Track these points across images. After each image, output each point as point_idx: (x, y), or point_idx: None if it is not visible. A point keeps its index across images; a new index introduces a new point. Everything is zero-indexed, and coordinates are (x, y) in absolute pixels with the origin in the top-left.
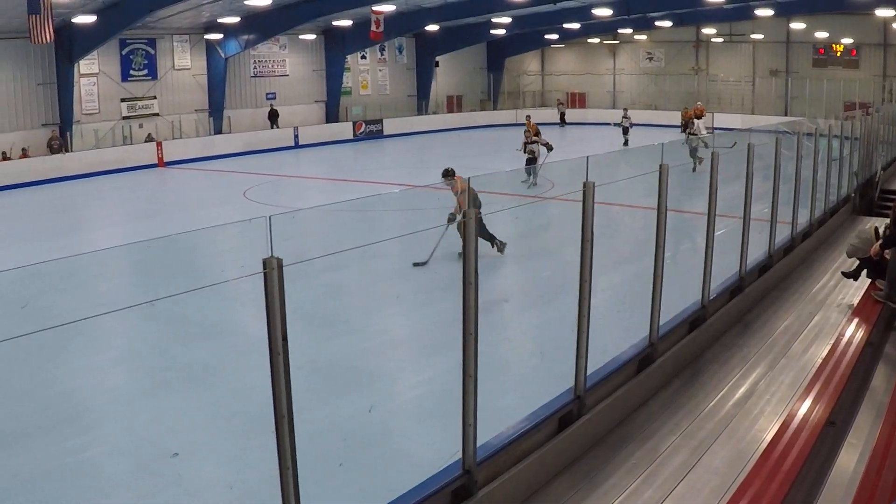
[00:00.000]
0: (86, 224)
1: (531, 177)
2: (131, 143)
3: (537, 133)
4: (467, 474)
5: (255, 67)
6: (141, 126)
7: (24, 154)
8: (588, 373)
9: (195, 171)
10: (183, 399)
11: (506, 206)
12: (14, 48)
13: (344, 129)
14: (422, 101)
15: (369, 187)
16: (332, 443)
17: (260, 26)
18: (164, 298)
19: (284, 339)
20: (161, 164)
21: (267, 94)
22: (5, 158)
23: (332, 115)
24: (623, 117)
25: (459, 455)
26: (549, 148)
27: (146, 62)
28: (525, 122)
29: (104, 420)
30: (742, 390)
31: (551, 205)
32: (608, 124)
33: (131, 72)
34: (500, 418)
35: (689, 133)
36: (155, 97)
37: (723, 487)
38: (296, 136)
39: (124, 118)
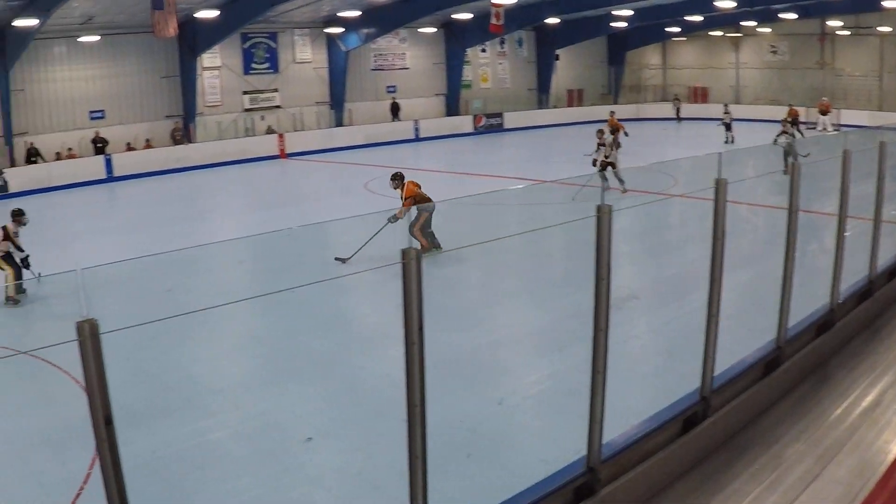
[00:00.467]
0: (212, 212)
1: (621, 182)
2: (253, 135)
3: (616, 131)
4: (591, 472)
5: (375, 61)
6: (263, 118)
7: (148, 144)
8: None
9: (316, 162)
10: (307, 387)
11: (634, 204)
12: (139, 42)
13: (464, 123)
14: (542, 95)
15: (490, 181)
16: (458, 434)
17: (380, 20)
18: (300, 287)
19: (420, 329)
20: (283, 155)
21: (387, 87)
22: (130, 149)
23: (452, 109)
24: (724, 113)
25: (583, 452)
26: (594, 163)
27: (268, 56)
28: (608, 118)
29: (228, 404)
30: (869, 399)
31: (674, 202)
32: (720, 120)
33: (253, 65)
34: (623, 417)
35: (783, 132)
36: (276, 90)
37: (847, 498)
38: (416, 129)
39: (246, 110)
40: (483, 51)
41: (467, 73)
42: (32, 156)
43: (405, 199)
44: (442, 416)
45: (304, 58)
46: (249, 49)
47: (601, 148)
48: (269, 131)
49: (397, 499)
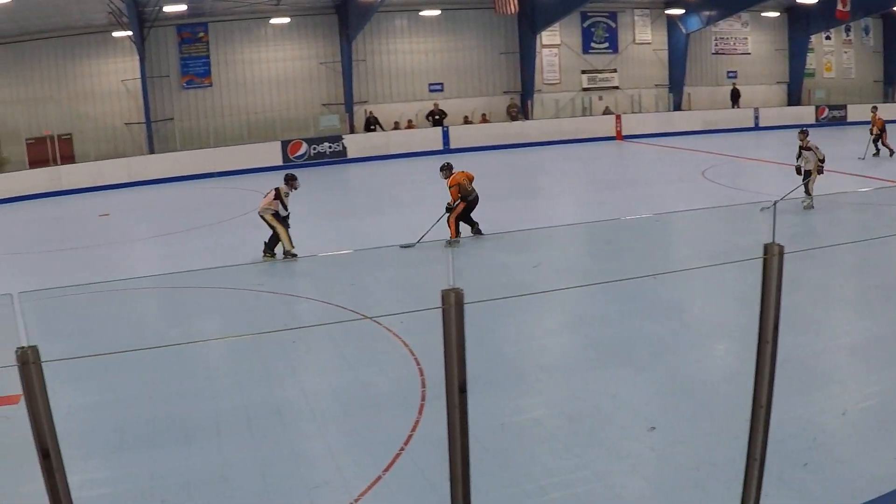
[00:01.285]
0: (548, 190)
1: (808, 195)
2: (590, 115)
3: (883, 130)
4: None
5: (715, 44)
6: (600, 98)
7: (484, 119)
8: None
9: (652, 146)
10: (634, 373)
11: None
12: (478, 18)
13: (805, 113)
14: (888, 88)
15: (828, 177)
16: (797, 441)
17: (722, 2)
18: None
19: (776, 327)
20: (619, 137)
21: (728, 72)
22: (467, 122)
23: (793, 98)
24: None
25: None
26: (798, 170)
27: (607, 35)
28: (871, 114)
29: (555, 383)
30: None
31: None
32: None
33: (592, 44)
34: None
35: None
36: (615, 70)
37: None
38: (756, 118)
39: (584, 90)
40: (828, 38)
41: (810, 61)
42: (371, 124)
43: (450, 187)
44: (780, 420)
45: (644, 38)
46: (589, 28)
47: (805, 153)
48: (607, 112)
49: (722, 500)
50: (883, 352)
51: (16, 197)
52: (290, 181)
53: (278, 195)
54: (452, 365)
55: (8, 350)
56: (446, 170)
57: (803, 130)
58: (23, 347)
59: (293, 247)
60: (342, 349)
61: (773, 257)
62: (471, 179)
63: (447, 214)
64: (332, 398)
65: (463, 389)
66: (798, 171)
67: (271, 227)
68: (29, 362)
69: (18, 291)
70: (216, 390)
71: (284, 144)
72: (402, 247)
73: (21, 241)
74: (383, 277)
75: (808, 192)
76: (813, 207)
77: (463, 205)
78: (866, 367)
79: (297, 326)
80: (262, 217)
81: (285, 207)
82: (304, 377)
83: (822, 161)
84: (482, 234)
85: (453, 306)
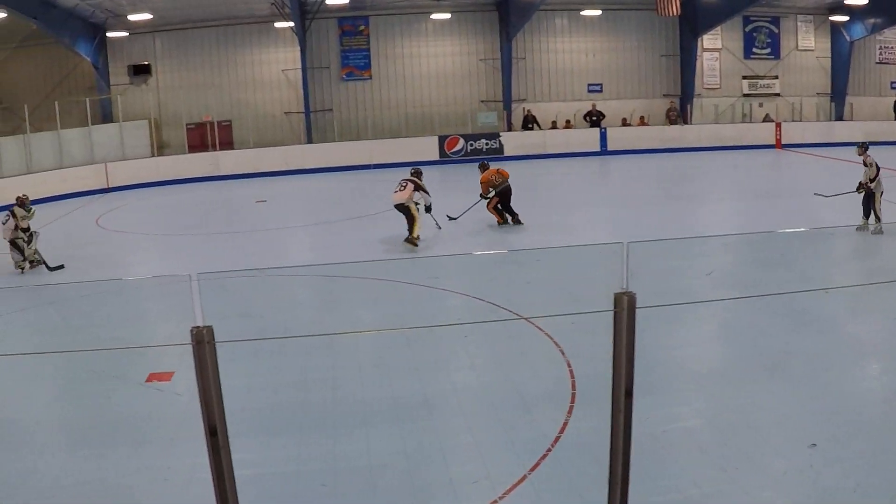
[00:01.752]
0: (703, 196)
1: (877, 220)
2: (749, 122)
3: None
4: None
5: (880, 53)
6: (761, 105)
7: (642, 121)
8: None
9: (811, 156)
10: (790, 388)
11: None
12: (640, 19)
13: None
14: None
15: None
16: None
17: (888, 9)
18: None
19: None
20: (778, 145)
21: (891, 82)
22: (625, 124)
23: None
24: None
25: None
26: (859, 187)
27: (769, 41)
28: None
29: (706, 394)
30: None
31: None
32: None
33: (754, 49)
34: None
35: None
36: (777, 77)
37: None
38: None
39: (744, 96)
40: None
41: None
42: (529, 122)
43: (481, 182)
44: None
45: (807, 45)
46: (751, 33)
47: (865, 169)
48: (767, 119)
49: None
50: None
51: (175, 179)
52: (419, 175)
53: (419, 186)
54: (621, 368)
55: (168, 327)
56: (480, 168)
57: (862, 144)
58: (198, 327)
59: (418, 237)
60: (495, 347)
61: None
62: (505, 176)
63: (483, 201)
64: (482, 395)
65: (629, 393)
66: (859, 187)
67: (410, 216)
68: (204, 342)
69: (197, 272)
70: (365, 379)
71: (442, 139)
72: (448, 217)
73: (184, 223)
74: (538, 277)
75: (876, 215)
76: (882, 233)
77: (497, 198)
78: None
79: (450, 323)
80: (403, 207)
81: (428, 194)
82: (454, 372)
83: (871, 181)
84: (521, 223)
85: (625, 310)
